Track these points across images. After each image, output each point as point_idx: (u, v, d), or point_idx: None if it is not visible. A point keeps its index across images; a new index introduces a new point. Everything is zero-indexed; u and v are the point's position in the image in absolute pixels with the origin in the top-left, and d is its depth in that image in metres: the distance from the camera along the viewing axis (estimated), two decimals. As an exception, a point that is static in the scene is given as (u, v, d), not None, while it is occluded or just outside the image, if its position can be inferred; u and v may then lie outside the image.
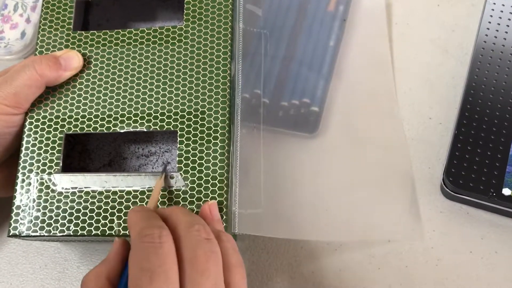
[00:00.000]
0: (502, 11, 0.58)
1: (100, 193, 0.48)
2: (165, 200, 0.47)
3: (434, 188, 0.55)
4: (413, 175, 0.55)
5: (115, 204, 0.48)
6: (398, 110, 0.58)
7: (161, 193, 0.48)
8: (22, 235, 0.48)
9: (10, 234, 0.48)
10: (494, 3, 0.59)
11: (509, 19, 0.58)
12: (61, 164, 0.49)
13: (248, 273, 0.53)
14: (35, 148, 0.50)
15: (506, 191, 0.51)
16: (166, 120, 0.49)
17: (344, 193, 0.55)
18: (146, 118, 0.50)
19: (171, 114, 0.49)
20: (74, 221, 0.48)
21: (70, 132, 0.50)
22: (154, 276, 0.37)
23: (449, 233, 0.53)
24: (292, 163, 0.56)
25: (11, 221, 0.49)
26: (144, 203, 0.48)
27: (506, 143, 0.52)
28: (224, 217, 0.46)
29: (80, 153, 0.56)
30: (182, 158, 0.48)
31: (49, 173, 0.49)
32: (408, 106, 0.58)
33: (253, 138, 0.54)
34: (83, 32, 0.54)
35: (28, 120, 0.51)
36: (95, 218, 0.48)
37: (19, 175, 0.50)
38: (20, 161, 0.50)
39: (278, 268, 0.53)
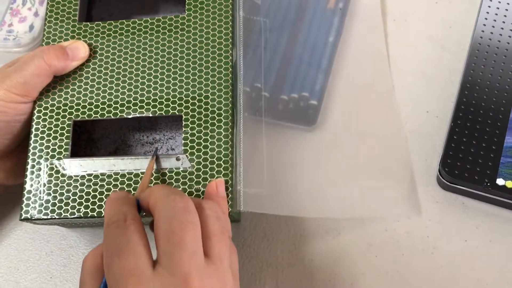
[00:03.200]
0: (498, 8, 0.60)
1: (109, 176, 0.50)
2: (173, 181, 0.48)
3: (431, 179, 0.56)
4: (411, 166, 0.56)
5: (124, 186, 0.49)
6: (396, 104, 0.59)
7: (169, 174, 0.49)
8: (33, 218, 0.49)
9: (22, 218, 0.49)
10: (491, 0, 0.60)
11: (505, 16, 0.59)
12: (70, 150, 0.51)
13: (249, 260, 0.54)
14: (44, 135, 0.51)
15: (500, 181, 0.52)
16: (171, 106, 0.51)
17: (343, 184, 0.56)
18: (152, 104, 0.51)
19: (176, 99, 0.51)
20: (84, 204, 0.49)
21: (78, 119, 0.51)
22: (122, 253, 0.38)
23: (445, 222, 0.54)
24: (292, 154, 0.57)
25: (23, 205, 0.50)
26: (151, 185, 0.49)
27: (500, 135, 0.54)
28: (230, 195, 0.48)
29: (86, 141, 0.57)
30: (188, 141, 0.49)
31: (59, 159, 0.50)
32: (406, 100, 0.60)
33: (255, 125, 0.55)
34: (88, 23, 0.55)
35: (37, 108, 0.52)
36: (105, 200, 0.49)
37: (29, 161, 0.51)
38: (30, 148, 0.51)
39: (278, 255, 0.54)
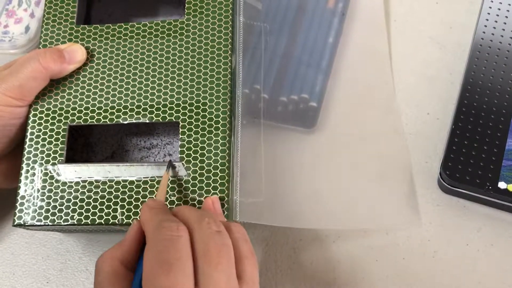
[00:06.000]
0: (499, 9, 0.59)
1: (104, 183, 0.49)
2: (168, 189, 0.48)
3: (432, 181, 0.56)
4: (411, 169, 0.56)
5: (119, 193, 0.49)
6: (397, 105, 0.59)
7: None
8: (26, 224, 0.49)
9: (15, 224, 0.49)
10: (492, 1, 0.59)
11: (506, 17, 0.59)
12: (65, 155, 0.50)
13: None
14: (39, 140, 0.51)
15: (502, 185, 0.51)
16: (168, 112, 0.50)
17: (343, 186, 0.55)
18: (149, 110, 0.50)
19: (173, 106, 0.50)
20: (78, 211, 0.49)
21: (74, 123, 0.51)
22: (172, 268, 0.37)
23: (446, 226, 0.54)
24: (291, 157, 0.57)
25: (16, 211, 0.49)
26: (147, 193, 0.48)
27: (502, 137, 0.53)
28: (226, 205, 0.47)
29: (83, 146, 0.56)
30: (184, 149, 0.49)
31: (53, 164, 0.50)
32: (406, 102, 0.59)
33: (254, 129, 0.55)
34: (86, 26, 0.54)
35: (32, 112, 0.51)
36: (99, 207, 0.48)
37: (24, 165, 0.50)
38: (25, 152, 0.50)
39: (277, 259, 0.54)
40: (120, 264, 0.41)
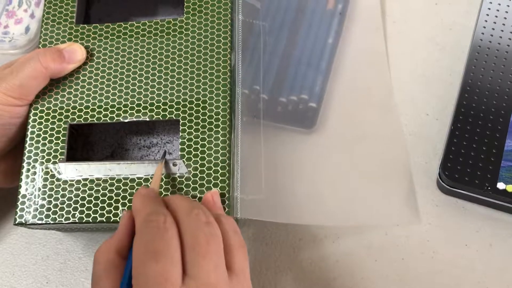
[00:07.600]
0: (498, 10, 0.59)
1: (105, 181, 0.49)
2: (169, 187, 0.48)
3: (431, 182, 0.56)
4: (411, 169, 0.56)
5: (120, 191, 0.49)
6: (395, 106, 0.59)
7: (165, 180, 0.48)
8: (28, 223, 0.49)
9: (16, 222, 0.49)
10: (491, 2, 0.59)
11: (505, 18, 0.59)
12: (65, 154, 0.50)
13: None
14: (40, 139, 0.51)
15: (500, 185, 0.52)
16: (168, 110, 0.50)
17: (342, 186, 0.55)
18: (149, 108, 0.50)
19: (173, 103, 0.50)
20: (79, 209, 0.49)
21: (74, 122, 0.51)
22: (159, 257, 0.38)
23: (445, 226, 0.54)
24: (291, 157, 0.57)
25: (17, 210, 0.49)
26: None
27: (501, 138, 0.53)
28: (227, 202, 0.47)
29: (83, 145, 0.56)
30: (185, 146, 0.49)
31: (54, 163, 0.50)
32: (406, 102, 0.59)
33: (253, 128, 0.55)
34: (85, 25, 0.54)
35: (33, 111, 0.52)
36: (100, 205, 0.49)
37: (24, 164, 0.50)
38: (25, 151, 0.51)
39: (277, 259, 0.54)
40: (115, 253, 0.41)
